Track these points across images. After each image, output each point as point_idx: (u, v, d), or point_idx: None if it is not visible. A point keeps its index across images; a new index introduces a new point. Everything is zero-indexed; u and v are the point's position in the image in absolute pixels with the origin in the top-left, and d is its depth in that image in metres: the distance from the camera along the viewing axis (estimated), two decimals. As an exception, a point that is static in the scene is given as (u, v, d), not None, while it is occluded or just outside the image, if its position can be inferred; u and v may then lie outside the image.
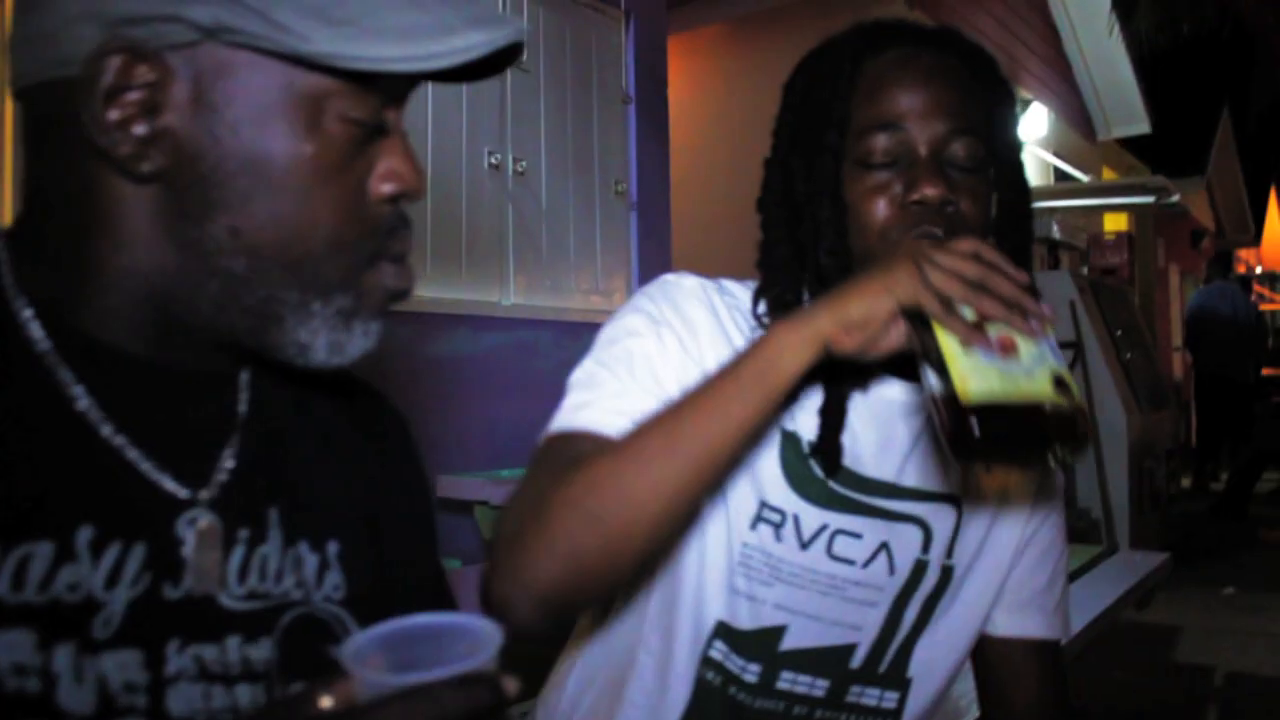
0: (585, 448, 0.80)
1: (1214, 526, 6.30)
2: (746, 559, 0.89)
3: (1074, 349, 5.04)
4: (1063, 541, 1.04)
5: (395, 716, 0.41)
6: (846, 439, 0.91)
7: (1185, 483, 7.40)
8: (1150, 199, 8.71)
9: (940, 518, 0.95)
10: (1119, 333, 5.53)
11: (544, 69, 3.53)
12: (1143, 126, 9.99)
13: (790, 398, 0.85)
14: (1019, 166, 0.95)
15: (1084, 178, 9.15)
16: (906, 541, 0.93)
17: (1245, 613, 4.16)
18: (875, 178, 0.88)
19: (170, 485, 0.59)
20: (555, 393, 0.90)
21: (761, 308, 0.95)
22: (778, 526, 0.89)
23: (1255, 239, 17.33)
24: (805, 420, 0.91)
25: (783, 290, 0.93)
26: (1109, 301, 5.63)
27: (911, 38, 0.91)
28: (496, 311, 3.13)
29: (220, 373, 0.64)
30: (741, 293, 0.97)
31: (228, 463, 0.62)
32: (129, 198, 0.55)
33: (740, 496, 0.89)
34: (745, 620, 0.90)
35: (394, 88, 0.60)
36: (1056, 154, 8.73)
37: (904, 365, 0.93)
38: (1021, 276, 0.73)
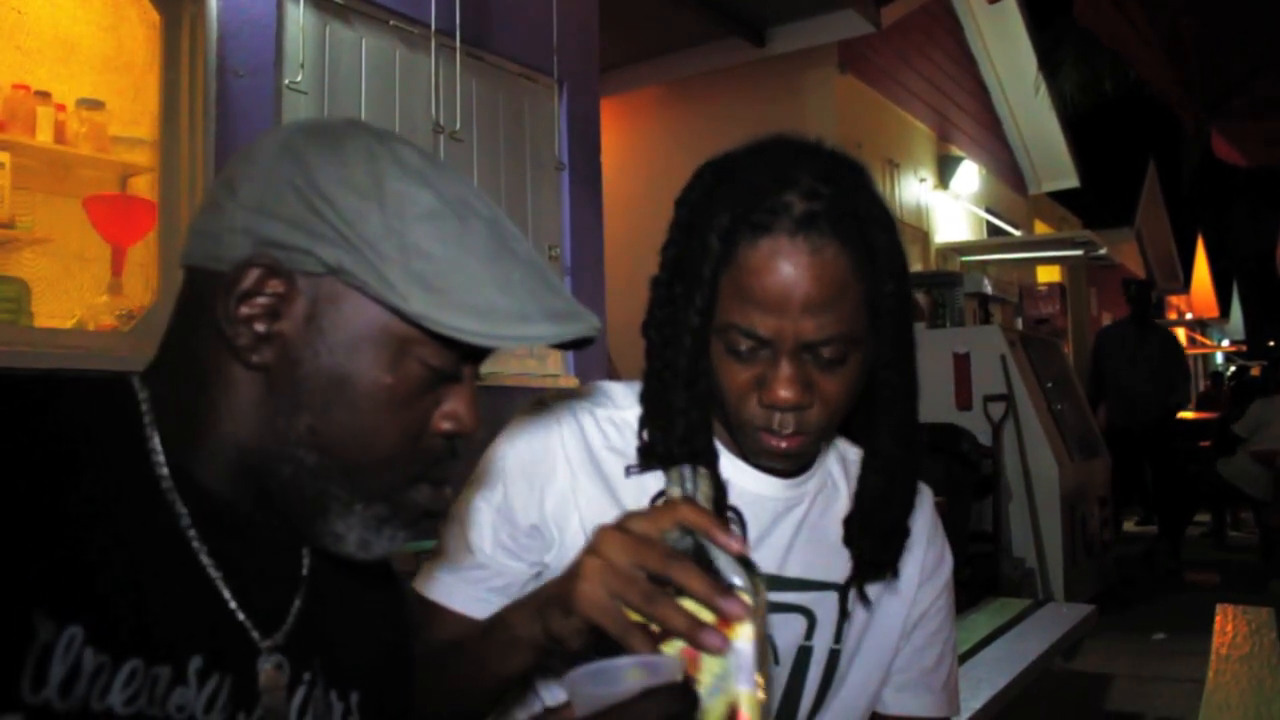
0: (447, 634, 0.94)
1: (1147, 571, 6.41)
2: None
3: (1005, 402, 5.17)
4: (951, 625, 1.09)
5: None
6: None
7: (1130, 526, 7.53)
8: (1079, 252, 8.99)
9: (824, 605, 0.99)
10: (1049, 384, 5.66)
11: (477, 137, 3.57)
12: (1071, 181, 10.33)
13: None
14: (904, 345, 0.93)
15: (1016, 232, 9.41)
16: (789, 631, 0.97)
17: (1175, 658, 4.23)
18: (737, 368, 0.89)
19: (251, 626, 0.68)
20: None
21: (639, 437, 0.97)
22: None
23: (1185, 286, 17.88)
24: None
25: (651, 442, 0.95)
26: (1039, 354, 5.77)
27: (789, 221, 0.84)
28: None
29: (292, 534, 0.72)
30: (630, 412, 0.99)
31: (294, 614, 0.72)
32: (239, 380, 0.65)
33: None
34: None
35: (473, 349, 0.68)
36: (989, 209, 8.97)
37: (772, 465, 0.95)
38: (733, 547, 0.72)
